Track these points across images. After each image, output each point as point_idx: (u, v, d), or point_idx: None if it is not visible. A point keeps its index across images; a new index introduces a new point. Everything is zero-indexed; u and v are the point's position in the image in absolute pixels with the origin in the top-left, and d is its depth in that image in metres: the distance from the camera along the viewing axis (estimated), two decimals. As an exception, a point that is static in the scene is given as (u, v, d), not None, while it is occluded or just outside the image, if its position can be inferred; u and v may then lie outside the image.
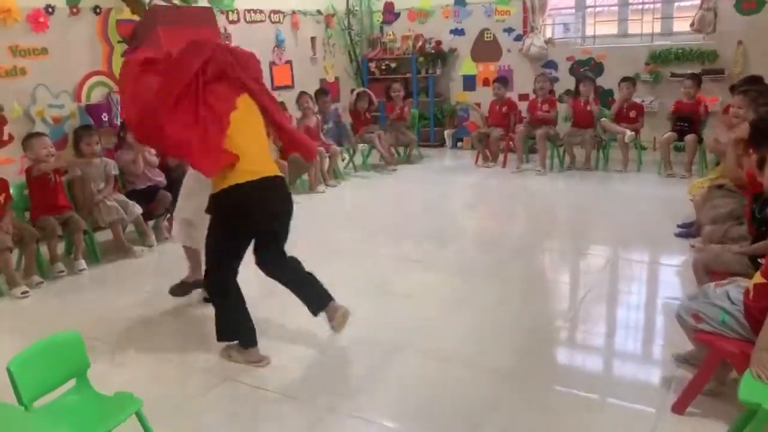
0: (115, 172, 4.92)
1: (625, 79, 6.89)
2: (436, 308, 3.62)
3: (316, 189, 6.63)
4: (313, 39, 8.23)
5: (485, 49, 8.52)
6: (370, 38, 9.18)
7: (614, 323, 3.47)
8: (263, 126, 3.13)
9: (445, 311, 3.58)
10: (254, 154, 2.95)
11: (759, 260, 2.86)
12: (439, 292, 3.86)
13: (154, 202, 5.09)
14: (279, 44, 7.65)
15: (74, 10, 5.49)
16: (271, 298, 3.50)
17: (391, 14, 9.07)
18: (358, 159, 7.59)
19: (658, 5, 7.59)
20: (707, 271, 3.02)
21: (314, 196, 6.51)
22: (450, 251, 4.77)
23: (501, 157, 7.43)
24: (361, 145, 7.55)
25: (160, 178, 5.24)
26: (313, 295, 3.19)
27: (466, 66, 8.71)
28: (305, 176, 6.70)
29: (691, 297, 2.63)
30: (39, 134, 4.63)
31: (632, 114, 6.80)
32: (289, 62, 7.87)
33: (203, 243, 3.11)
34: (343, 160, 7.46)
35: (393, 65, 8.88)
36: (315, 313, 3.18)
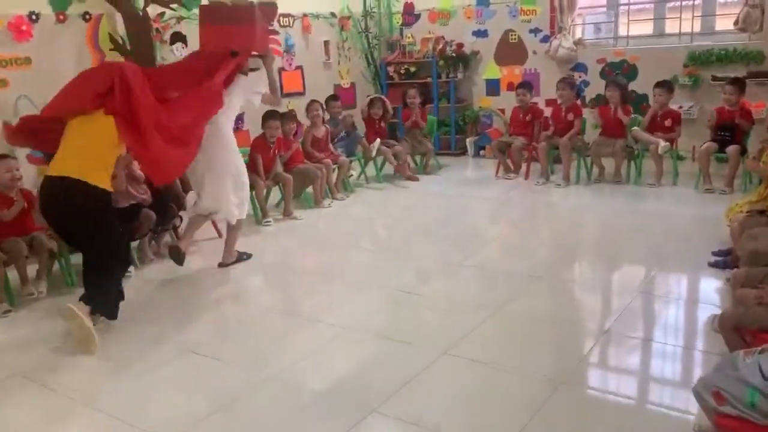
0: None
1: (659, 84, 6.27)
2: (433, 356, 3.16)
3: (321, 203, 6.22)
4: (326, 43, 7.83)
5: (510, 51, 7.98)
6: (389, 41, 8.74)
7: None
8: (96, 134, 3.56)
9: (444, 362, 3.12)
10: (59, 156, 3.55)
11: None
12: (440, 340, 3.31)
13: (138, 223, 4.75)
14: (288, 49, 7.28)
15: (61, 17, 5.22)
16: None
17: (411, 16, 8.60)
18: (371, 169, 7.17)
19: (698, 2, 6.93)
20: (738, 330, 2.49)
21: (319, 211, 6.10)
22: (456, 281, 4.26)
23: (524, 167, 6.90)
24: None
25: (145, 195, 4.87)
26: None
27: (489, 70, 8.19)
28: (311, 189, 6.31)
29: (717, 368, 2.12)
30: (2, 157, 4.22)
31: (667, 122, 6.17)
32: (299, 68, 7.49)
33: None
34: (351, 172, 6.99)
35: (412, 69, 8.41)
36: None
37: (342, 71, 8.15)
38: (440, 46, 8.19)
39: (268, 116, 5.73)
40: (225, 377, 3.04)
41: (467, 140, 8.24)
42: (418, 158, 7.54)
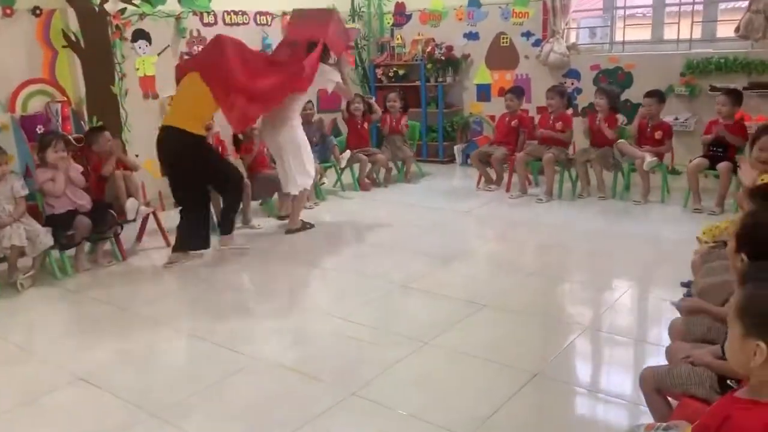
0: (23, 192, 4.33)
1: (649, 94, 5.82)
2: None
3: (283, 210, 5.91)
4: (308, 43, 7.51)
5: (501, 55, 7.59)
6: (379, 42, 8.40)
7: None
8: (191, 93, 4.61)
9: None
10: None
11: (730, 382, 1.94)
12: (350, 379, 3.03)
13: (72, 230, 4.50)
14: (265, 48, 6.98)
15: (7, 11, 4.99)
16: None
17: (402, 16, 8.26)
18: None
19: (699, 7, 6.46)
20: (660, 392, 2.10)
21: (279, 221, 5.80)
22: (391, 306, 3.89)
23: (506, 179, 6.51)
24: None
25: (83, 201, 4.63)
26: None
27: (480, 74, 7.80)
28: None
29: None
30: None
31: (657, 135, 5.72)
32: (278, 68, 7.19)
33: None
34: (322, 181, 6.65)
35: (401, 72, 8.07)
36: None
37: (326, 73, 7.82)
38: (429, 48, 7.83)
39: None
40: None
41: (455, 147, 7.88)
42: (399, 164, 7.21)
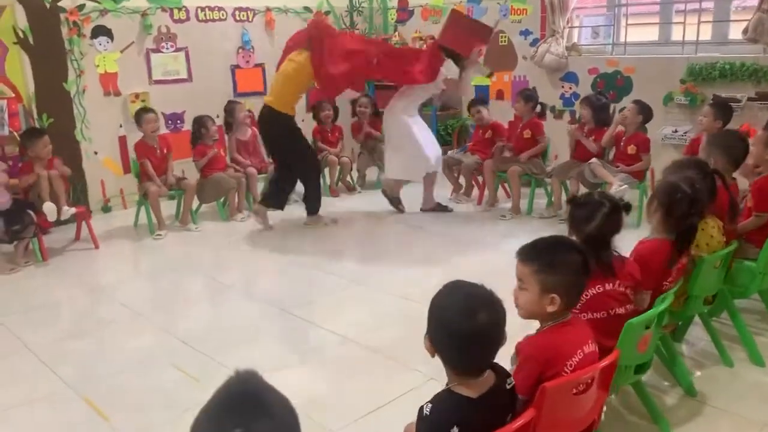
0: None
1: (634, 101, 5.18)
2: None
3: (233, 216, 5.73)
4: (296, 40, 7.27)
5: (500, 55, 7.01)
6: (381, 39, 8.02)
7: None
8: (288, 70, 5.12)
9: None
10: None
11: None
12: None
13: (-17, 228, 4.51)
14: (244, 45, 6.81)
15: (-48, 7, 5.07)
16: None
17: (404, 12, 7.85)
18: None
19: (710, 4, 5.66)
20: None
21: (225, 225, 5.62)
22: (261, 341, 3.63)
23: (476, 191, 6.03)
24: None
25: (3, 200, 4.63)
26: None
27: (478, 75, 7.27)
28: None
29: None
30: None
31: (630, 149, 5.05)
32: (260, 65, 7.00)
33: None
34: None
35: (400, 71, 7.67)
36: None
37: (318, 70, 7.55)
38: (425, 46, 7.38)
39: (142, 111, 5.38)
40: None
41: (448, 153, 7.38)
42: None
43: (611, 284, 2.27)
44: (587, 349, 1.83)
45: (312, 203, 5.40)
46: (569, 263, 1.86)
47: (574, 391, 1.79)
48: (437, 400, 1.57)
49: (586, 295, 2.20)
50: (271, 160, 5.79)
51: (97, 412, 2.77)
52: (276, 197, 5.32)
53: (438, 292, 1.64)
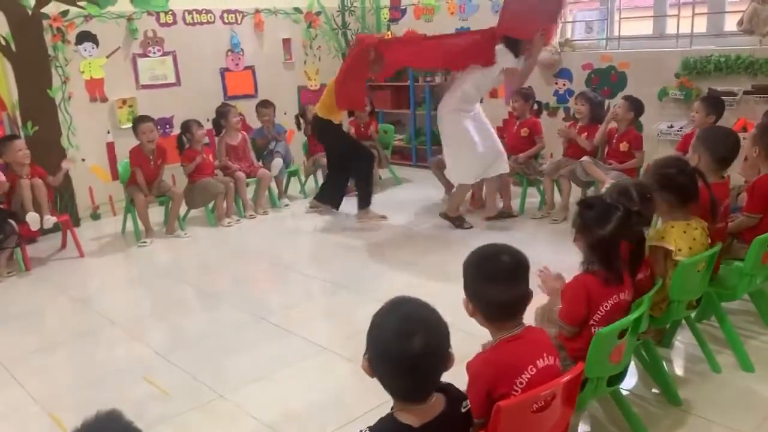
0: None
1: (625, 97, 5.05)
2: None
3: (221, 221, 5.66)
4: (286, 41, 7.19)
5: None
6: (373, 39, 7.92)
7: None
8: (331, 82, 5.34)
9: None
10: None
11: None
12: None
13: (-36, 238, 4.46)
14: (233, 48, 6.73)
15: (-68, 15, 5.02)
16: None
17: (397, 10, 7.75)
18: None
19: (702, -4, 5.53)
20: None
21: (217, 230, 5.55)
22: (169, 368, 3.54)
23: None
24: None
25: (-14, 207, 4.60)
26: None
27: (472, 73, 7.15)
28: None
29: None
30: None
31: (623, 146, 4.93)
32: (250, 68, 6.92)
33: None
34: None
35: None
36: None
37: (310, 72, 7.47)
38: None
39: (139, 120, 5.29)
40: None
41: (439, 155, 7.28)
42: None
43: (623, 293, 2.22)
44: (541, 364, 1.72)
45: (364, 198, 5.49)
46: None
47: (534, 407, 1.69)
48: (378, 426, 1.47)
49: (605, 307, 2.16)
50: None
51: (60, 428, 2.69)
52: (332, 197, 5.71)
53: (380, 308, 1.52)
